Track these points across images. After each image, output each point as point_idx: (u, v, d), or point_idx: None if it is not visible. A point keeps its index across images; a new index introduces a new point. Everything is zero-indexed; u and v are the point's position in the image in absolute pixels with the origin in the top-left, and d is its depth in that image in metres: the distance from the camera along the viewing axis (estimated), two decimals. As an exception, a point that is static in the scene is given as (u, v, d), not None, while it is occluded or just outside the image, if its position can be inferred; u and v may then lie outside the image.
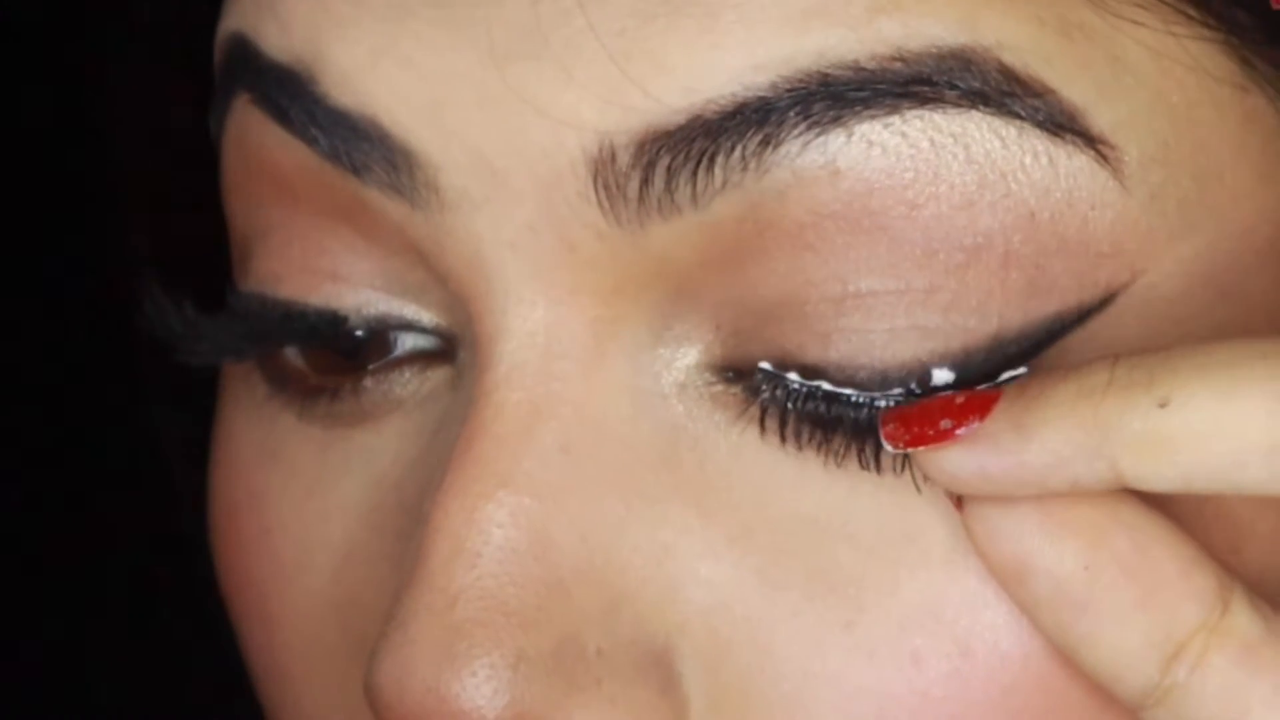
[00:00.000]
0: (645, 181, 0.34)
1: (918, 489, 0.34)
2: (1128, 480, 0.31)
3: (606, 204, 0.34)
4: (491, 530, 0.34)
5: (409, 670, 0.34)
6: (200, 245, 0.48)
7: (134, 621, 0.61)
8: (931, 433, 0.32)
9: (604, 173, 0.34)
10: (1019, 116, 0.33)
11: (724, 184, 0.33)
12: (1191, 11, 0.35)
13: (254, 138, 0.39)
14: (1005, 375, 0.34)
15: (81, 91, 0.51)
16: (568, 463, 0.35)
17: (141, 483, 0.56)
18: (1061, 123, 0.33)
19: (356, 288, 0.39)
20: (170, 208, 0.51)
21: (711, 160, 0.33)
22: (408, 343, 0.39)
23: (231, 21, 0.39)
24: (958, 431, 0.32)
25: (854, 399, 0.34)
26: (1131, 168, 0.34)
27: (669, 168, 0.33)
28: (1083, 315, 0.34)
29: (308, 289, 0.40)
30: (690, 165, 0.33)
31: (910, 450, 0.33)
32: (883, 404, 0.34)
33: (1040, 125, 0.33)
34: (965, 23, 0.33)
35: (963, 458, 0.32)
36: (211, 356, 0.41)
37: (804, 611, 0.35)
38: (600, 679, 0.34)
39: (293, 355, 0.41)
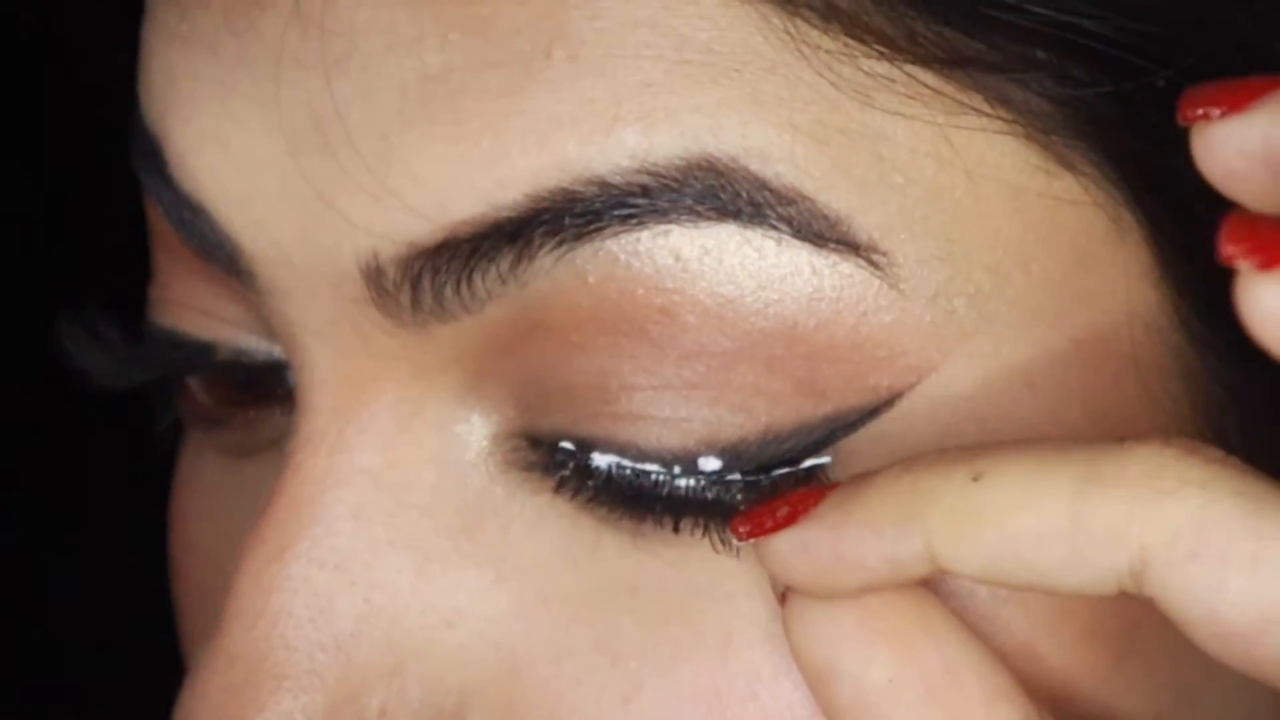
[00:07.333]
0: (414, 295, 0.34)
1: (701, 568, 0.35)
2: (940, 560, 0.31)
3: (384, 308, 0.35)
4: (270, 594, 0.35)
5: None
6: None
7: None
8: (770, 523, 0.32)
9: (374, 283, 0.34)
10: (775, 227, 0.32)
11: (488, 295, 0.34)
12: (982, 105, 0.33)
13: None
14: (779, 472, 0.34)
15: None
16: (357, 529, 0.36)
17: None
18: (822, 231, 0.33)
19: (226, 325, 0.40)
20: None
21: (470, 278, 0.34)
22: (289, 380, 0.40)
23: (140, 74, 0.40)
24: (797, 518, 0.32)
25: (645, 473, 0.35)
26: (908, 269, 0.33)
27: (433, 283, 0.34)
28: (863, 416, 0.34)
29: (184, 320, 0.41)
30: (452, 281, 0.34)
31: (752, 541, 0.33)
32: (669, 479, 0.34)
33: (800, 235, 0.33)
34: (711, 131, 0.32)
35: (788, 536, 0.32)
36: (116, 380, 0.43)
37: (586, 682, 0.35)
38: None
39: (196, 387, 0.42)
